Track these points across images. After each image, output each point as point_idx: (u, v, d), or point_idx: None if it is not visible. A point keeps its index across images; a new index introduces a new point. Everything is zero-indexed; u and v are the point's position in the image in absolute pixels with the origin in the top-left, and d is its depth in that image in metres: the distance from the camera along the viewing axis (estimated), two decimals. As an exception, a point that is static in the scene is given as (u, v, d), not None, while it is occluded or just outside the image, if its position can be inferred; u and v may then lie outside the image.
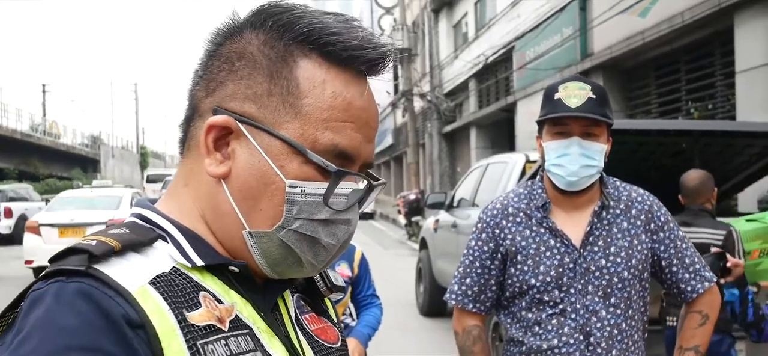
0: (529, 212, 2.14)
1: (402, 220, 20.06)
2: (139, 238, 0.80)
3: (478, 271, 2.18)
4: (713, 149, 5.28)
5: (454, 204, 8.20)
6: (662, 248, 2.14)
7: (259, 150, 0.82)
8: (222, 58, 0.85)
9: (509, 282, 2.15)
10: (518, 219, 2.15)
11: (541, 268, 2.08)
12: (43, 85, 56.00)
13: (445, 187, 22.26)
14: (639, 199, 2.16)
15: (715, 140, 5.16)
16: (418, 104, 25.79)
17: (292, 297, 0.94)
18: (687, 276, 2.15)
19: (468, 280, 2.20)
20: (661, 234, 2.14)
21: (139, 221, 0.86)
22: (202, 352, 0.75)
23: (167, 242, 0.83)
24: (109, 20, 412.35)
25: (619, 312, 2.07)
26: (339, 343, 0.97)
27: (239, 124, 0.83)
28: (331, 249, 0.86)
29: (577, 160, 2.03)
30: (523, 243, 2.12)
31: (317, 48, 0.83)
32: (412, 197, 19.21)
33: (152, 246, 0.81)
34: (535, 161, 6.26)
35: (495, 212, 2.19)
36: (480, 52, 20.13)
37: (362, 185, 0.87)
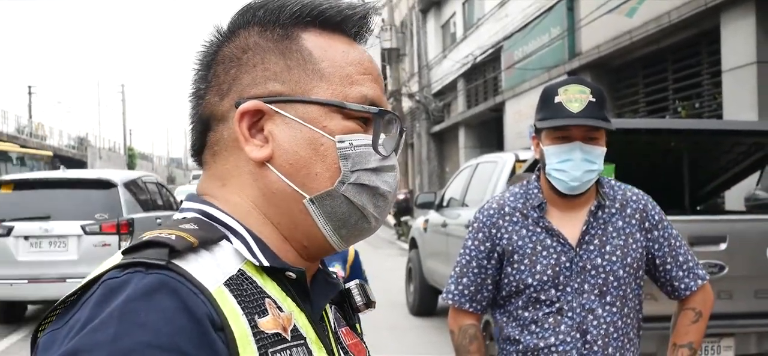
0: (525, 211, 2.15)
1: (391, 220, 20.05)
2: (208, 235, 0.79)
3: (475, 271, 2.19)
4: (701, 148, 5.31)
5: (444, 204, 8.20)
6: (656, 246, 2.15)
7: (296, 120, 0.84)
8: (224, 61, 0.87)
9: (506, 281, 2.15)
10: (514, 219, 2.15)
11: (538, 267, 2.09)
12: (29, 87, 55.49)
13: (434, 187, 22.27)
14: (634, 198, 2.17)
15: (704, 139, 5.19)
16: (406, 104, 25.81)
17: (330, 308, 0.93)
18: (680, 273, 2.16)
19: (465, 280, 2.20)
20: (656, 232, 2.15)
21: (203, 217, 0.84)
22: None
23: (231, 242, 0.81)
24: (95, 22, 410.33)
25: (614, 310, 2.09)
26: None
27: (270, 104, 0.84)
28: (388, 197, 0.89)
29: (580, 165, 2.03)
30: (520, 243, 2.12)
31: (311, 20, 0.87)
32: (401, 196, 19.21)
33: (219, 245, 0.79)
34: (524, 161, 6.27)
35: (491, 211, 2.19)
36: (468, 52, 20.16)
37: (396, 128, 0.89)
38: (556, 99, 2.04)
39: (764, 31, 8.72)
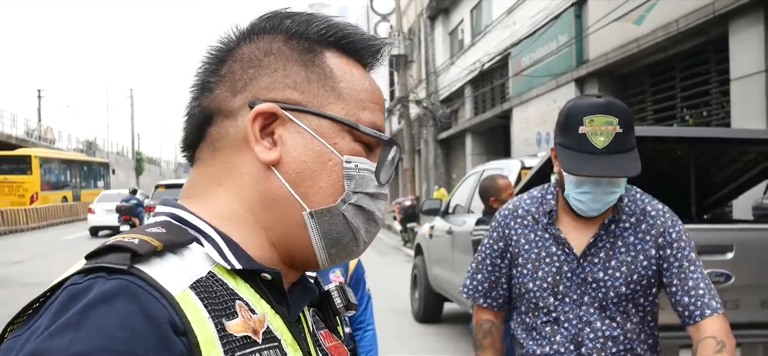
0: (537, 216, 2.13)
1: (397, 226, 20.03)
2: (176, 239, 0.78)
3: (489, 268, 2.21)
4: (709, 156, 5.29)
5: (450, 211, 8.19)
6: (665, 266, 2.05)
7: (309, 132, 0.85)
8: (243, 59, 0.88)
9: (513, 283, 2.17)
10: (526, 222, 2.14)
11: (539, 273, 2.08)
12: (39, 91, 55.95)
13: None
14: (653, 213, 2.09)
15: (711, 147, 5.16)
16: (414, 110, 25.82)
17: (309, 310, 0.93)
18: (686, 299, 2.01)
19: (479, 276, 2.24)
20: (668, 251, 2.05)
21: (173, 221, 0.83)
22: None
23: (202, 244, 0.81)
24: (105, 26, 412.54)
25: (615, 325, 2.05)
26: None
27: (286, 111, 0.85)
28: (379, 223, 0.91)
29: (601, 198, 1.99)
30: (526, 247, 2.12)
31: (335, 42, 0.89)
32: (408, 203, 19.18)
33: (188, 248, 0.79)
34: (530, 168, 6.25)
35: (506, 212, 2.20)
36: (476, 58, 20.15)
37: (395, 155, 0.92)
38: (581, 129, 1.92)
39: (773, 39, 8.67)
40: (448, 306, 8.94)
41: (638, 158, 1.96)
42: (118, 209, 21.19)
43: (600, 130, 1.91)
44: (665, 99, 11.61)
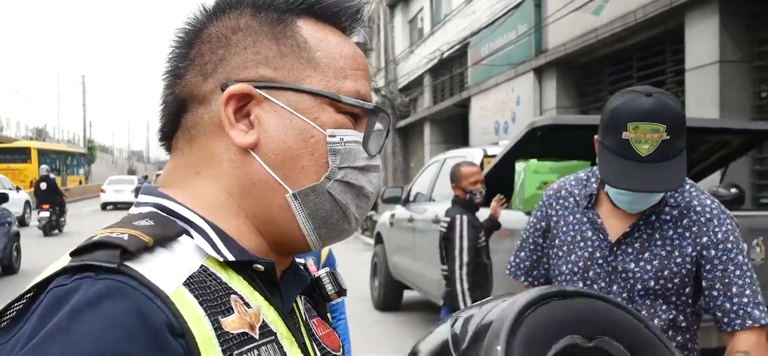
0: (579, 198, 2.08)
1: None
2: (166, 232, 0.73)
3: (531, 247, 2.21)
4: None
5: (411, 199, 8.17)
6: (708, 267, 1.90)
7: (287, 109, 0.80)
8: (211, 40, 0.82)
9: (550, 264, 2.15)
10: (567, 204, 2.10)
11: (572, 257, 2.04)
12: (-14, 76, 54.32)
13: (399, 182, 22.25)
14: (698, 209, 1.95)
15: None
16: (373, 98, 25.72)
17: (300, 299, 0.89)
18: (727, 305, 1.87)
19: (522, 253, 2.23)
20: (712, 252, 1.90)
21: (160, 212, 0.78)
22: None
23: (191, 236, 0.76)
24: (56, 12, 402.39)
25: None
26: (340, 351, 0.92)
27: (260, 89, 0.80)
28: (371, 198, 0.86)
29: (643, 199, 1.90)
30: (565, 229, 2.08)
31: (307, 9, 0.84)
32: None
33: (178, 241, 0.74)
34: (493, 156, 6.23)
35: (551, 191, 2.18)
36: (435, 47, 20.19)
37: (384, 124, 0.86)
38: (624, 134, 1.79)
39: (727, 31, 8.84)
40: (407, 294, 8.94)
41: (684, 163, 1.82)
42: (137, 191, 22.99)
43: (644, 138, 1.78)
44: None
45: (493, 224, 5.07)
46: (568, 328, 0.62)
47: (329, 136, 0.81)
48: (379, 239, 9.17)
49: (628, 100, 1.84)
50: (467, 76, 18.62)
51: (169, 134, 0.86)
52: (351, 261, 12.41)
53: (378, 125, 0.85)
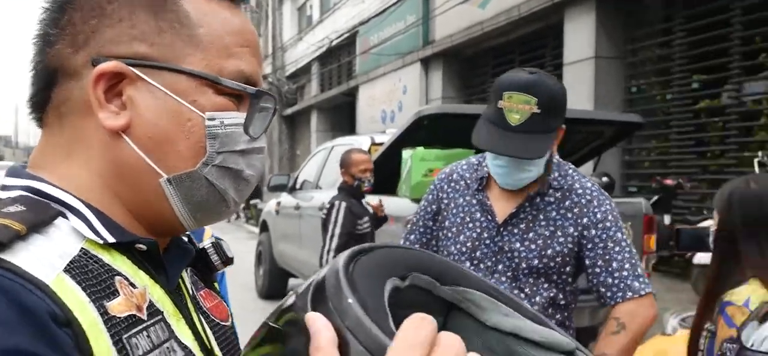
0: (469, 182, 2.13)
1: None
2: (39, 216, 0.68)
3: (421, 230, 2.22)
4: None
5: (297, 186, 8.09)
6: (590, 246, 2.00)
7: (163, 90, 0.74)
8: (83, 8, 0.75)
9: (439, 245, 2.16)
10: (458, 187, 2.15)
11: (461, 238, 2.08)
12: None
13: (285, 170, 22.07)
14: (579, 191, 2.04)
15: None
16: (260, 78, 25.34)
17: (187, 272, 0.85)
18: (609, 280, 1.97)
19: (412, 236, 2.24)
20: (593, 231, 2.00)
21: (31, 195, 0.72)
22: (128, 347, 0.67)
23: (67, 218, 0.70)
24: None
25: (522, 297, 2.01)
26: (229, 321, 0.89)
27: (133, 68, 0.73)
28: (252, 181, 0.81)
29: (515, 174, 1.97)
30: (455, 211, 2.12)
31: None
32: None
33: (53, 225, 0.68)
34: (381, 144, 6.24)
35: (443, 175, 2.21)
36: (324, 35, 20.10)
37: (270, 105, 0.81)
38: (500, 103, 1.88)
39: (603, 28, 9.29)
40: (293, 282, 8.86)
41: (550, 141, 1.91)
42: None
43: (516, 108, 1.86)
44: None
45: (379, 220, 5.09)
46: (388, 272, 0.64)
47: (208, 119, 0.75)
48: (264, 228, 9.03)
49: (514, 71, 1.96)
50: (355, 65, 18.65)
51: (39, 106, 0.78)
52: (235, 250, 12.15)
53: (264, 105, 0.80)
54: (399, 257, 0.68)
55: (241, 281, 9.22)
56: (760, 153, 7.73)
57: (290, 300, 0.63)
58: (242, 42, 0.79)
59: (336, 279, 0.58)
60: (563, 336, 0.73)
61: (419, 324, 0.52)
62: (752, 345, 1.62)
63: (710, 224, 2.52)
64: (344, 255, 0.62)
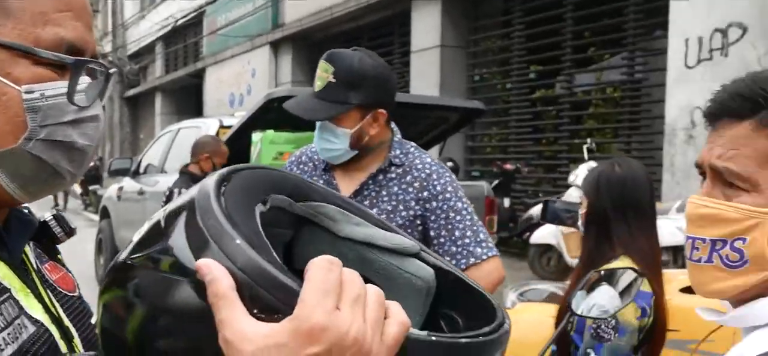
0: (317, 163, 2.18)
1: (77, 189, 18.56)
2: None
3: None
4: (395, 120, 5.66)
5: (141, 170, 7.77)
6: (433, 218, 2.05)
7: None
8: None
9: None
10: (306, 168, 2.19)
11: None
12: None
13: (126, 154, 21.10)
14: (419, 166, 2.10)
15: (395, 112, 5.54)
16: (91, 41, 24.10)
17: (29, 246, 0.82)
18: (453, 248, 2.03)
19: None
20: (434, 204, 2.05)
21: None
22: None
23: None
24: None
25: None
26: (77, 292, 0.87)
27: None
28: (88, 150, 0.77)
29: (322, 144, 2.05)
30: None
31: None
32: (90, 164, 17.89)
33: None
34: (229, 127, 6.13)
35: (294, 158, 2.24)
36: (169, 14, 19.36)
37: (100, 73, 0.77)
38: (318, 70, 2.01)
39: (448, 18, 9.62)
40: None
41: (336, 110, 1.98)
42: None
43: (319, 75, 1.99)
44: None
45: None
46: (253, 198, 0.64)
47: (26, 92, 0.70)
48: (105, 214, 8.60)
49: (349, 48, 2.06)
50: (202, 46, 18.14)
51: None
52: (73, 239, 11.52)
53: (92, 71, 0.76)
54: (258, 181, 0.67)
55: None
56: (588, 140, 8.36)
57: (158, 245, 0.60)
58: (62, 6, 0.74)
59: (215, 219, 0.56)
60: (408, 239, 0.77)
61: (328, 268, 0.52)
62: (582, 312, 1.78)
63: (575, 200, 2.68)
64: (211, 189, 0.59)
